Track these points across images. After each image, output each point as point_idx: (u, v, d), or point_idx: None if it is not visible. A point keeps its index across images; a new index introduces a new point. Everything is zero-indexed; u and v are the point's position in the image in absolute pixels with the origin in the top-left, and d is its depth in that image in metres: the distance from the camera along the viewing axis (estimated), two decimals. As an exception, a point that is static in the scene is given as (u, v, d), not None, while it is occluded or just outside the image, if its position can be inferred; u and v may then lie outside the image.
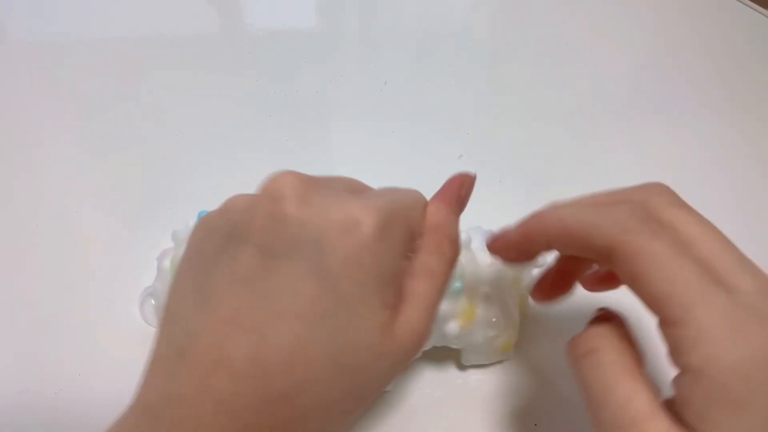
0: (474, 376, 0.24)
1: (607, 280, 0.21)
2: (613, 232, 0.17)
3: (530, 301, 0.24)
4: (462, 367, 0.24)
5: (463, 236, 0.22)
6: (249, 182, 0.20)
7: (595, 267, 0.22)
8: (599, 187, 0.31)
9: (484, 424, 0.23)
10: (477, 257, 0.23)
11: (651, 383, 0.16)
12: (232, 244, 0.17)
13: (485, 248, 0.21)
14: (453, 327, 0.22)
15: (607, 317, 0.19)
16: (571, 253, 0.19)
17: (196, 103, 0.38)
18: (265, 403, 0.15)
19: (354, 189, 0.20)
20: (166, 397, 0.16)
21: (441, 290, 0.19)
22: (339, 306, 0.16)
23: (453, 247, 0.19)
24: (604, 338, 0.18)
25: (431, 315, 0.18)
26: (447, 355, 0.24)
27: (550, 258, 0.22)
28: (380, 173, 0.25)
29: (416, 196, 0.20)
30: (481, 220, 0.24)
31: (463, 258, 0.22)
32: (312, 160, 0.34)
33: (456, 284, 0.22)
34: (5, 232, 0.29)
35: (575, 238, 0.18)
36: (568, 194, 0.28)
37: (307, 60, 0.43)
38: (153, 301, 0.24)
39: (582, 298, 0.22)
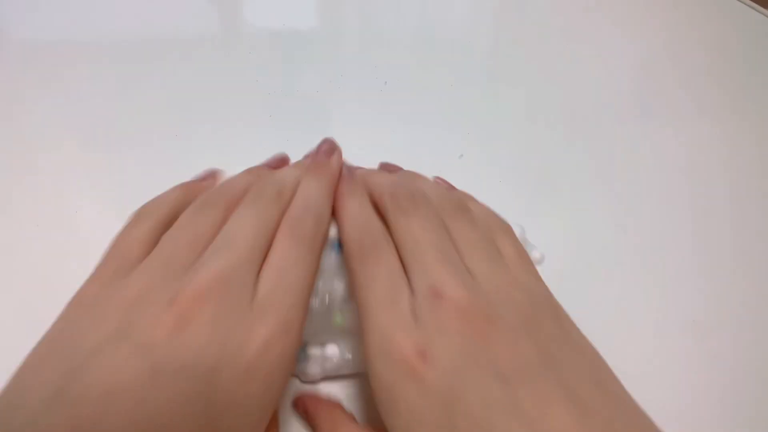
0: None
1: None
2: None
3: None
4: None
5: None
6: (249, 182, 0.20)
7: None
8: (599, 186, 0.32)
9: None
10: None
11: None
12: (118, 344, 0.16)
13: None
14: None
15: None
16: None
17: (195, 103, 0.38)
18: None
19: (262, 252, 0.19)
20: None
21: None
22: None
23: None
24: None
25: None
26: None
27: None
28: (380, 173, 0.25)
29: (308, 275, 0.19)
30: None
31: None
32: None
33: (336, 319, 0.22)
34: (5, 232, 0.29)
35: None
36: (568, 194, 0.28)
37: (307, 60, 0.43)
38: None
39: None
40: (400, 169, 0.26)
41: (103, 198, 0.32)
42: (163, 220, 0.20)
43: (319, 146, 0.24)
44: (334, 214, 0.22)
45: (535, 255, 0.23)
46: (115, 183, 0.32)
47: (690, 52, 0.46)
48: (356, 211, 0.21)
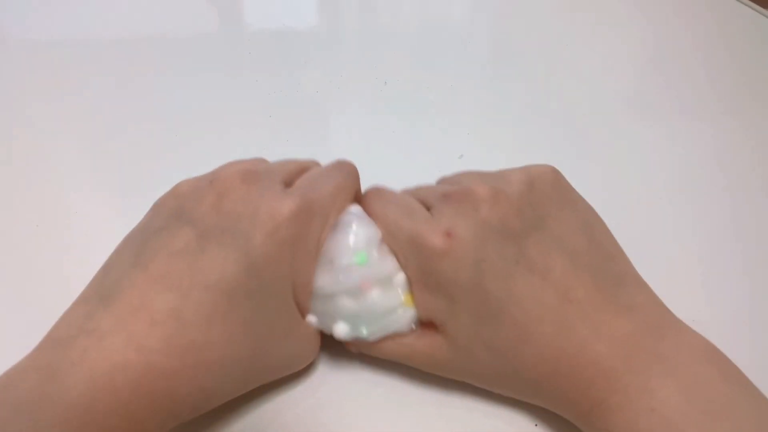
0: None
1: None
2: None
3: None
4: None
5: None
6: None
7: None
8: (597, 185, 0.32)
9: (483, 424, 0.23)
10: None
11: None
12: (174, 223, 0.20)
13: None
14: (405, 312, 0.22)
15: None
16: None
17: (196, 103, 0.38)
18: (176, 347, 0.17)
19: (290, 175, 0.23)
20: (80, 330, 0.17)
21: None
22: (260, 290, 0.19)
23: None
24: None
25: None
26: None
27: None
28: (380, 173, 0.25)
29: (340, 182, 0.23)
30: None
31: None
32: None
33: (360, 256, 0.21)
34: (5, 232, 0.29)
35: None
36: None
37: (307, 60, 0.43)
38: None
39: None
40: None
41: (103, 198, 0.32)
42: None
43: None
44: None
45: None
46: (115, 182, 0.33)
47: (690, 52, 0.46)
48: None
